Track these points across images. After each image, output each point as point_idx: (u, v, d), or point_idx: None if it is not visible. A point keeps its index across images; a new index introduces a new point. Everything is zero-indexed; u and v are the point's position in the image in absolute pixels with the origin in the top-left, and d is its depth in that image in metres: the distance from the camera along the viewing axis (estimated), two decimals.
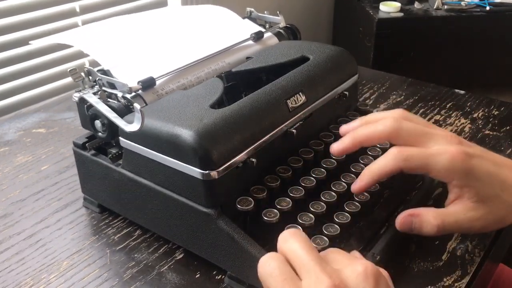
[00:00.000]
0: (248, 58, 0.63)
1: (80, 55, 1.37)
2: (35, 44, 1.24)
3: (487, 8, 1.83)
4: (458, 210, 0.47)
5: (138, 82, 0.53)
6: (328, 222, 0.48)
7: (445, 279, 0.48)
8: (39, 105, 0.85)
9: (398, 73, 0.93)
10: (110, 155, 0.54)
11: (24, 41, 1.25)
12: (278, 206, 0.48)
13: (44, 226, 0.57)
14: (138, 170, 0.51)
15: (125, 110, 0.51)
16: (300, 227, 0.46)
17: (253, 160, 0.48)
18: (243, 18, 0.71)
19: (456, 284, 0.48)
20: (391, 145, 0.49)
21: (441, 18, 1.84)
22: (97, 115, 0.52)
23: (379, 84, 0.89)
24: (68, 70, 0.54)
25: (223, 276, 0.49)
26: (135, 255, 0.52)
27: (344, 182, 0.52)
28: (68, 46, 1.29)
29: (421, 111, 0.79)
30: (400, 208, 0.52)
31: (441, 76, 1.82)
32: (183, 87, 0.56)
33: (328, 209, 0.49)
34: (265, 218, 0.46)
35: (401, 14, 1.84)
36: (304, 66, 0.58)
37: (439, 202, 0.53)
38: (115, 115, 0.50)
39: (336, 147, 0.50)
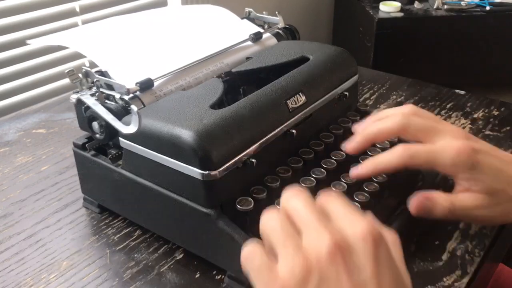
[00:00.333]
0: (248, 58, 0.63)
1: (81, 55, 1.36)
2: (33, 44, 1.24)
3: (487, 8, 1.83)
4: (466, 197, 0.48)
5: (136, 84, 0.53)
6: None
7: (445, 279, 0.48)
8: (39, 105, 0.85)
9: (398, 73, 0.93)
10: (110, 155, 0.54)
11: (24, 41, 1.24)
12: (278, 206, 0.47)
13: (44, 226, 0.57)
14: (138, 171, 0.51)
15: (122, 112, 0.51)
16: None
17: (253, 160, 0.48)
18: (242, 18, 0.71)
19: (456, 284, 0.48)
20: (400, 141, 0.49)
21: (441, 18, 1.84)
22: (95, 116, 0.52)
23: (379, 84, 0.89)
24: (66, 71, 0.54)
25: (223, 276, 0.49)
26: (135, 255, 0.52)
27: (344, 182, 0.52)
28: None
29: None
30: (399, 209, 0.52)
31: (441, 76, 1.82)
32: (181, 88, 0.56)
33: None
34: None
35: (401, 14, 1.84)
36: (304, 66, 0.58)
37: None
38: (113, 117, 0.50)
39: (348, 146, 0.51)
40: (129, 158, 0.51)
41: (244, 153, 0.47)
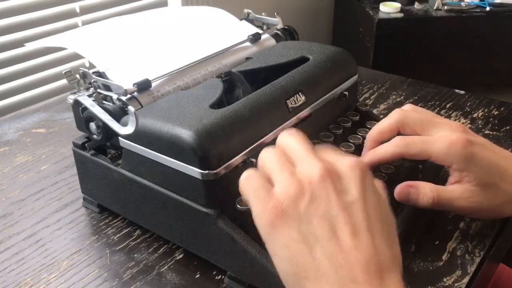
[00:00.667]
0: (247, 58, 0.63)
1: (81, 55, 1.37)
2: (30, 46, 1.25)
3: (487, 8, 1.83)
4: (455, 189, 0.49)
5: (134, 84, 0.52)
6: None
7: (445, 279, 0.48)
8: (39, 105, 0.85)
9: (398, 73, 0.93)
10: (110, 155, 0.54)
11: (24, 42, 1.24)
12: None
13: (44, 226, 0.57)
14: (137, 170, 0.51)
15: (120, 113, 0.51)
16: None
17: (253, 160, 0.48)
18: (241, 19, 0.71)
19: (456, 284, 0.48)
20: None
21: (441, 19, 1.84)
22: (92, 117, 0.52)
23: (379, 84, 0.89)
24: (63, 72, 0.54)
25: (223, 276, 0.49)
26: (135, 255, 0.52)
27: None
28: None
29: None
30: (398, 209, 0.52)
31: (441, 76, 1.82)
32: (179, 89, 0.56)
33: None
34: None
35: (401, 15, 1.84)
36: (304, 66, 0.58)
37: None
38: (110, 117, 0.50)
39: (365, 160, 0.53)
40: (129, 158, 0.51)
41: (244, 152, 0.47)
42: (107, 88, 0.54)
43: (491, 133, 0.74)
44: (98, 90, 0.53)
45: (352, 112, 0.63)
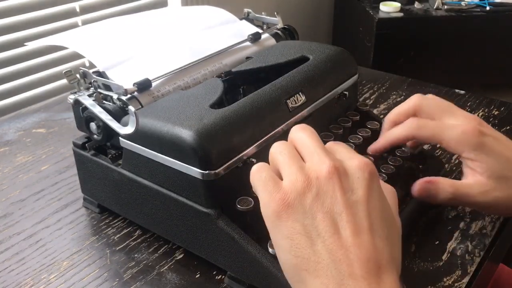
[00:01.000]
0: (248, 58, 0.63)
1: (81, 55, 1.37)
2: (30, 45, 1.25)
3: (487, 8, 1.83)
4: (471, 183, 0.50)
5: (134, 84, 0.52)
6: None
7: (445, 279, 0.48)
8: (39, 105, 0.85)
9: (398, 73, 0.93)
10: (110, 155, 0.54)
11: (24, 41, 1.24)
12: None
13: (44, 226, 0.57)
14: (138, 170, 0.51)
15: (120, 112, 0.51)
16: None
17: (253, 160, 0.48)
18: (241, 19, 0.71)
19: (456, 284, 0.48)
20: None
21: (441, 18, 1.84)
22: (92, 117, 0.52)
23: (379, 84, 0.89)
24: (63, 72, 0.54)
25: (223, 276, 0.49)
26: (135, 255, 0.52)
27: None
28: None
29: None
30: (402, 207, 0.52)
31: (441, 76, 1.82)
32: (179, 88, 0.56)
33: None
34: None
35: (401, 14, 1.84)
36: (304, 66, 0.58)
37: None
38: (110, 117, 0.50)
39: (380, 141, 0.55)
40: (129, 158, 0.51)
41: (244, 152, 0.47)
42: (108, 88, 0.54)
43: None
44: (99, 90, 0.53)
45: (352, 112, 0.63)
